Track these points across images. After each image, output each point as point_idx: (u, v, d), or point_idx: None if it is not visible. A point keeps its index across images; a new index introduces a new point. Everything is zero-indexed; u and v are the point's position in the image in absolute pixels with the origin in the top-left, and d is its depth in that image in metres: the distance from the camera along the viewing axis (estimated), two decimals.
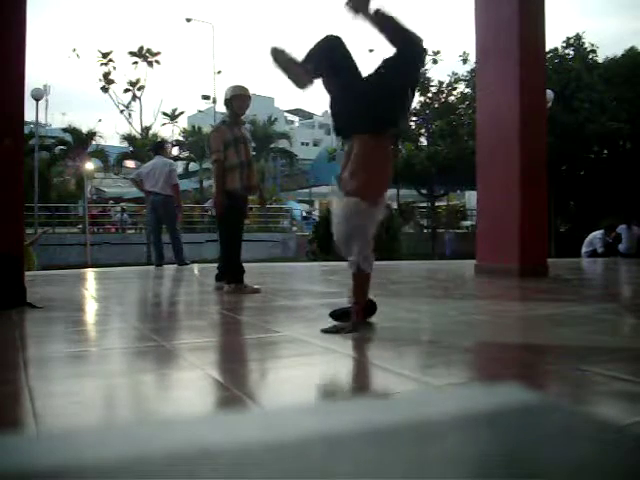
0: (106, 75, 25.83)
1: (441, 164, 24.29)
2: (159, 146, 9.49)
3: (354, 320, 3.12)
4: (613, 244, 11.71)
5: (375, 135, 3.14)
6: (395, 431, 0.46)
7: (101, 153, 31.32)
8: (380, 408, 0.54)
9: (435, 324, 3.56)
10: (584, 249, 11.88)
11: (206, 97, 30.87)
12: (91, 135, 30.61)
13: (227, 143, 5.07)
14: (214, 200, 5.23)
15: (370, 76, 3.18)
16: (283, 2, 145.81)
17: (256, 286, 5.15)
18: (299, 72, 3.27)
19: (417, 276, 7.19)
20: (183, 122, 37.89)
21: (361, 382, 2.36)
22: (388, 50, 3.21)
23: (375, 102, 3.13)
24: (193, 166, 35.09)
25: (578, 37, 23.94)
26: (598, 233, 11.91)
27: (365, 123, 3.15)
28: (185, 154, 35.40)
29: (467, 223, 30.85)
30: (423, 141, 27.46)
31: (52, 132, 32.96)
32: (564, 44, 23.75)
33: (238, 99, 5.17)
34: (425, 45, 3.25)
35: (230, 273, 5.14)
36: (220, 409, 1.92)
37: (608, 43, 54.33)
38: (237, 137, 5.13)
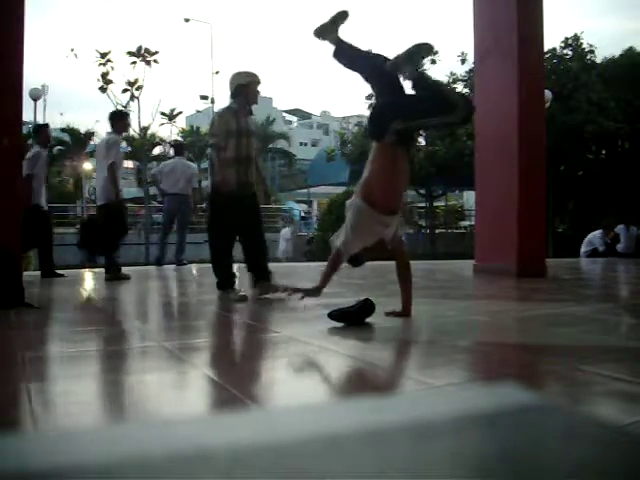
0: (104, 75, 25.75)
1: (439, 164, 24.31)
2: (180, 147, 9.68)
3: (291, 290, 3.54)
4: (611, 244, 11.73)
5: (385, 145, 3.39)
6: (394, 431, 0.46)
7: None
8: (379, 408, 0.54)
9: (434, 324, 3.57)
10: (583, 249, 11.90)
11: (204, 97, 30.82)
12: (89, 135, 30.58)
13: (229, 133, 4.59)
14: (217, 182, 4.61)
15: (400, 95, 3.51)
16: (282, 2, 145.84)
17: (242, 293, 4.59)
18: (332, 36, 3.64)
19: (416, 276, 7.17)
20: (181, 122, 37.89)
21: (360, 382, 2.36)
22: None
23: (385, 115, 3.44)
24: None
25: (576, 37, 23.96)
26: (597, 233, 11.93)
27: (375, 131, 3.52)
28: None
29: (465, 223, 30.86)
30: (421, 141, 27.50)
31: (50, 132, 32.92)
32: (562, 44, 23.77)
33: (252, 86, 4.71)
34: (463, 104, 3.41)
35: (218, 279, 4.73)
36: (219, 409, 1.92)
37: (607, 43, 54.40)
38: (241, 129, 4.63)
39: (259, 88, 4.76)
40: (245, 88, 4.68)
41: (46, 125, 7.34)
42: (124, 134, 7.61)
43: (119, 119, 6.86)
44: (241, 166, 4.64)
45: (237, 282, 4.82)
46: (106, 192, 6.40)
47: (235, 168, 4.62)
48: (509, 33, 6.62)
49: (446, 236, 27.94)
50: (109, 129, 6.95)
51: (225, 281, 4.68)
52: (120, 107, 25.65)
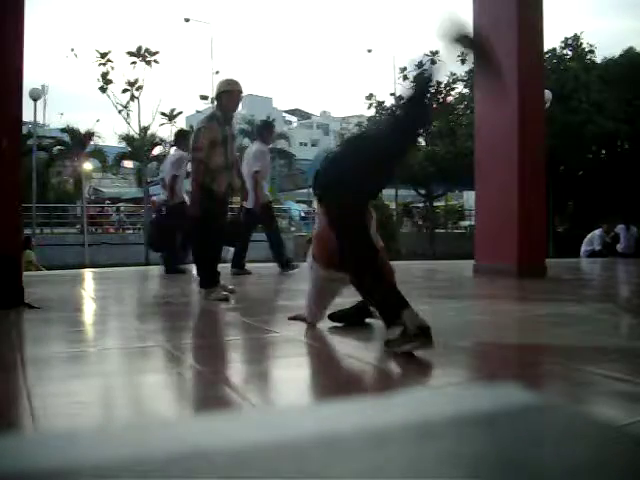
0: (104, 75, 25.73)
1: (439, 164, 24.33)
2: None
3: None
4: (611, 244, 11.72)
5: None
6: (394, 431, 0.46)
7: (99, 153, 31.26)
8: (379, 408, 0.54)
9: (434, 324, 3.55)
10: (583, 248, 11.89)
11: (204, 97, 30.79)
12: (89, 135, 30.52)
13: (215, 142, 4.73)
14: (190, 201, 4.97)
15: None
16: (281, 2, 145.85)
17: (230, 286, 4.92)
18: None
19: (415, 276, 7.19)
20: (181, 122, 37.84)
21: (360, 382, 2.36)
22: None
23: (357, 178, 2.89)
24: (190, 166, 35.03)
25: (576, 37, 24.01)
26: (597, 232, 11.93)
27: (335, 193, 2.92)
28: None
29: (465, 223, 30.86)
30: (421, 141, 27.50)
31: (50, 132, 32.91)
32: (562, 44, 23.81)
33: (228, 95, 4.83)
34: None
35: (204, 278, 4.79)
36: (218, 409, 1.92)
37: (607, 43, 54.39)
38: (226, 135, 4.83)
39: (234, 96, 4.86)
40: (219, 98, 4.86)
41: (188, 132, 8.12)
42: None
43: (268, 129, 7.65)
44: (229, 171, 4.86)
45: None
46: (253, 197, 6.88)
47: (226, 174, 4.82)
48: (509, 33, 6.61)
49: (446, 236, 27.94)
50: (257, 139, 7.75)
51: (210, 279, 4.73)
52: (120, 107, 25.67)
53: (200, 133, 4.75)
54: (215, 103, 4.99)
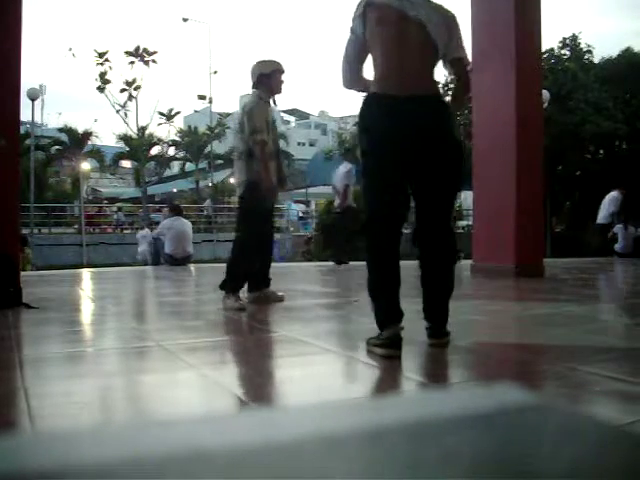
0: (102, 75, 25.73)
1: None
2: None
3: None
4: (610, 244, 11.74)
5: None
6: (394, 431, 0.46)
7: (97, 153, 31.25)
8: (379, 408, 0.54)
9: None
10: (600, 214, 11.95)
11: (202, 97, 30.76)
12: (87, 135, 30.51)
13: (267, 124, 4.25)
14: (263, 186, 4.13)
15: None
16: (280, 2, 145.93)
17: (242, 302, 4.10)
18: None
19: (413, 276, 7.19)
20: (179, 122, 37.83)
21: (359, 382, 2.36)
22: None
23: None
24: (189, 166, 35.08)
25: (574, 37, 24.01)
26: (614, 193, 11.95)
27: None
28: (181, 154, 35.37)
29: (463, 223, 30.84)
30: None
31: (48, 132, 32.90)
32: (560, 44, 23.80)
33: (276, 76, 4.30)
34: None
35: (226, 280, 4.20)
36: (217, 409, 1.92)
37: (605, 44, 54.50)
38: (271, 121, 4.35)
39: (283, 77, 4.37)
40: (268, 78, 4.27)
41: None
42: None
43: (352, 153, 9.18)
44: (277, 160, 4.37)
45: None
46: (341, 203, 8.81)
47: (275, 162, 4.31)
48: (507, 33, 6.62)
49: None
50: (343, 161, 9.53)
51: (232, 284, 4.17)
52: (118, 107, 25.68)
53: (254, 114, 4.19)
54: (257, 86, 4.31)
